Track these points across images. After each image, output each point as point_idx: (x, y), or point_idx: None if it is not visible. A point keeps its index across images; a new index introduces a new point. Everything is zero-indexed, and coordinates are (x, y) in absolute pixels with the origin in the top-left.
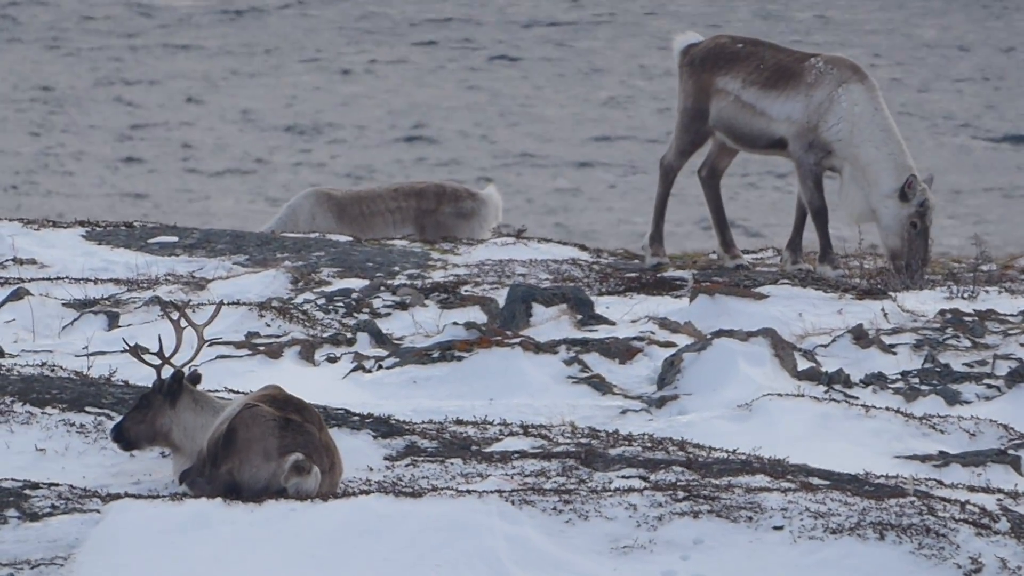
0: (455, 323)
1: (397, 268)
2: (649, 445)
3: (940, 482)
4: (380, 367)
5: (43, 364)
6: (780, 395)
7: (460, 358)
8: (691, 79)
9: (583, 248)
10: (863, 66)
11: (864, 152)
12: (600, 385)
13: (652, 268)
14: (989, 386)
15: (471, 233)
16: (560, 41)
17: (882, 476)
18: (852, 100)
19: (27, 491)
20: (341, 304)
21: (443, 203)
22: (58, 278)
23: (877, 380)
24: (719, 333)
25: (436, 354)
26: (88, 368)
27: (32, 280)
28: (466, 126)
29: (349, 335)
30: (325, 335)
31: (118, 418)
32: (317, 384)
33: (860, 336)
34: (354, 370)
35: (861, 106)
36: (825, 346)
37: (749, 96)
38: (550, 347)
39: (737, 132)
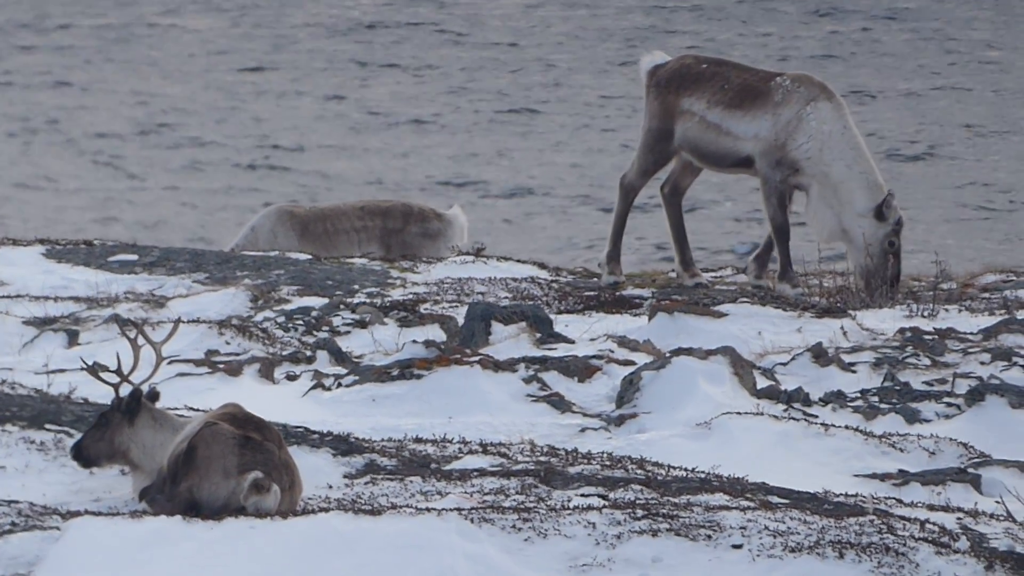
0: (414, 341)
1: (357, 286)
2: (608, 463)
3: (900, 501)
4: (339, 385)
5: (3, 381)
6: (739, 413)
7: (419, 376)
8: (656, 100)
9: (542, 266)
10: (829, 84)
11: (835, 171)
12: (559, 403)
13: (609, 287)
14: (949, 404)
15: (436, 253)
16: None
17: (841, 495)
18: (820, 118)
19: None
20: (301, 322)
21: (410, 223)
22: (18, 296)
23: (836, 398)
24: (678, 351)
25: (395, 372)
26: (48, 386)
27: None
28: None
29: (308, 353)
30: (285, 353)
31: (78, 436)
32: (276, 402)
33: (819, 354)
34: (313, 388)
35: (830, 124)
36: (784, 364)
37: (714, 116)
38: (509, 365)
39: (703, 152)
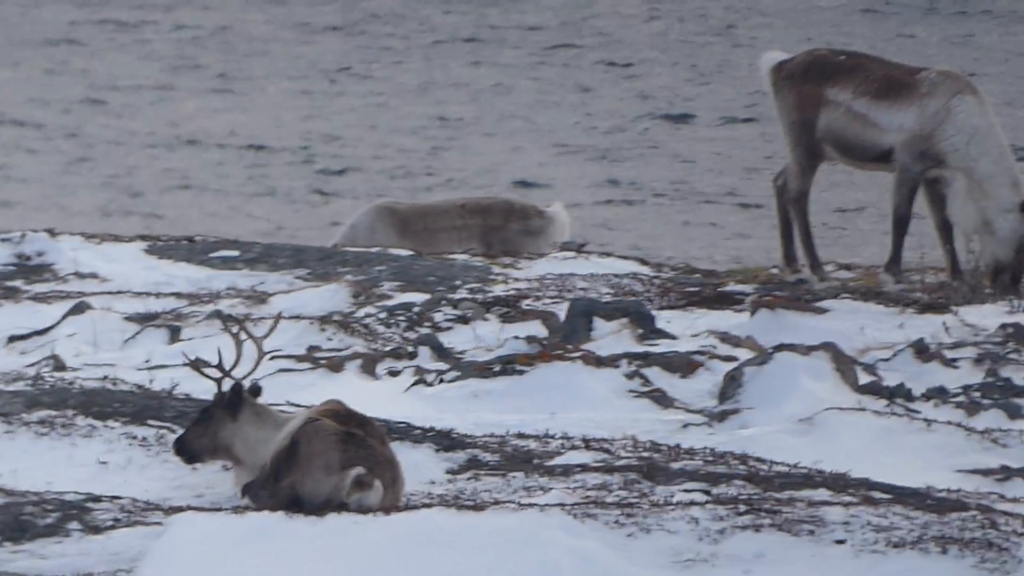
0: (516, 337)
1: (458, 282)
2: (711, 459)
3: (1002, 496)
4: (441, 381)
5: (105, 377)
6: (841, 409)
7: (521, 372)
8: (792, 92)
9: (644, 262)
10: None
11: (981, 165)
12: (661, 399)
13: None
14: None
15: (537, 250)
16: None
17: (944, 490)
18: (968, 112)
19: (89, 504)
20: (402, 318)
21: (511, 220)
22: (119, 292)
23: (938, 394)
24: (780, 347)
25: (497, 368)
26: (150, 382)
27: (93, 294)
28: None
29: (410, 349)
30: (386, 349)
31: (180, 431)
32: (378, 398)
33: (921, 350)
34: (415, 384)
35: (976, 119)
36: (886, 360)
37: (860, 107)
38: (611, 361)
39: (847, 144)
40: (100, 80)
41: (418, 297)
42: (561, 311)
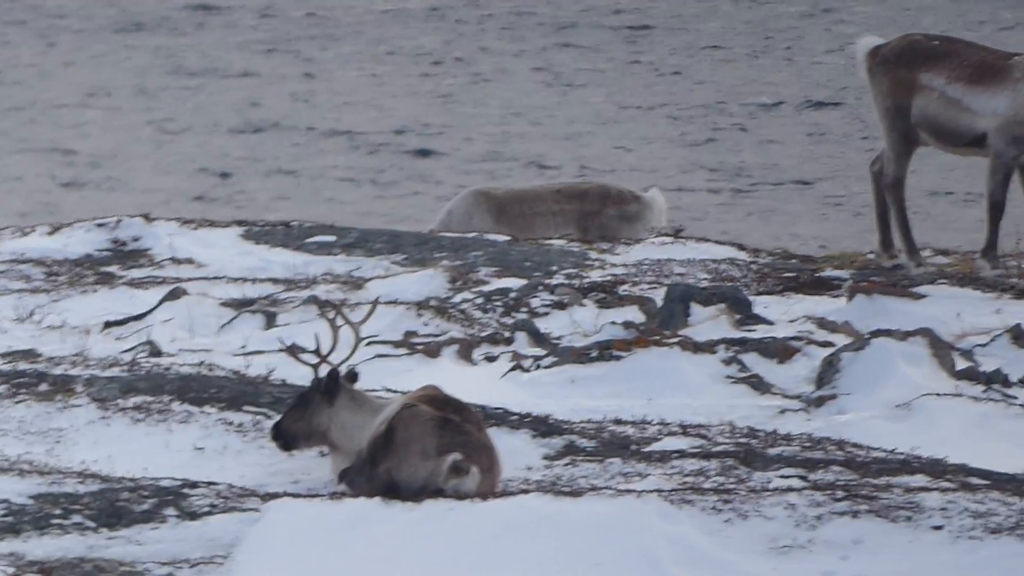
0: (613, 323)
1: (555, 267)
2: (808, 445)
3: None
4: (538, 366)
5: (201, 363)
6: (938, 395)
7: (618, 357)
8: (887, 77)
9: (741, 248)
10: None
11: None
12: (758, 385)
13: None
14: None
15: (634, 235)
16: None
17: None
18: None
19: (186, 490)
20: (499, 303)
21: (608, 205)
22: (215, 277)
23: None
24: (877, 333)
25: (594, 353)
26: (246, 367)
27: (189, 280)
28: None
29: (507, 334)
30: (483, 334)
31: (276, 417)
32: (475, 383)
33: (1019, 336)
34: (512, 369)
35: None
36: (983, 346)
37: (955, 92)
38: (708, 347)
39: (940, 128)
40: (190, 64)
41: (515, 282)
42: (658, 296)
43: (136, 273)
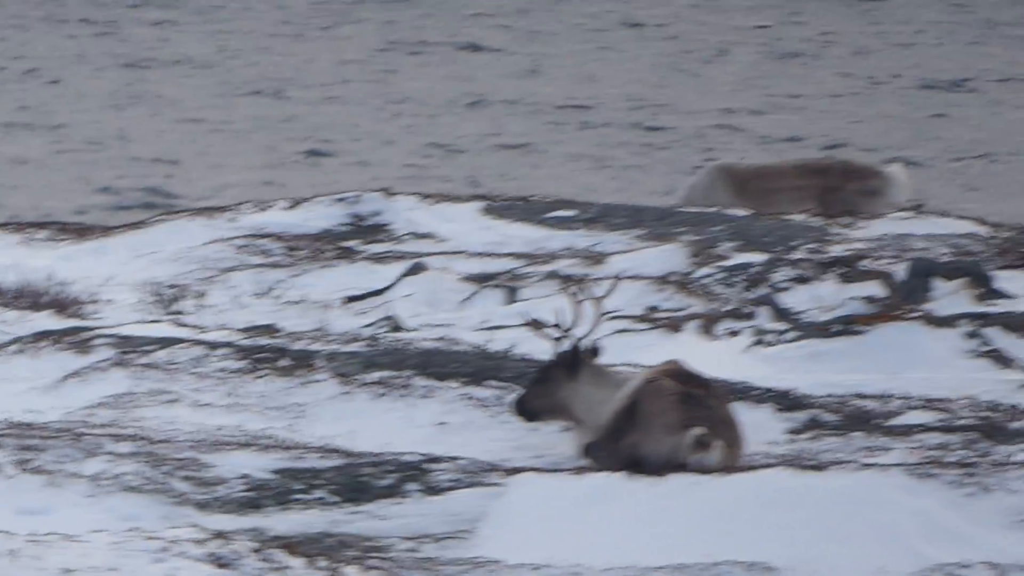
0: (854, 297)
1: (796, 242)
2: None
3: None
4: (780, 341)
5: (442, 338)
6: None
7: (860, 332)
8: None
9: (981, 222)
10: None
11: None
12: (1000, 359)
13: None
14: None
15: (875, 211)
16: None
17: None
18: None
19: (428, 465)
20: (740, 278)
21: (849, 181)
22: (455, 252)
23: None
24: None
25: (836, 328)
26: (487, 342)
27: (429, 255)
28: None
29: (748, 309)
30: (725, 309)
31: (518, 391)
32: (717, 358)
33: None
34: (754, 344)
35: None
36: None
37: None
38: (950, 321)
39: None
40: (408, 36)
41: (756, 257)
42: (899, 271)
43: (376, 248)
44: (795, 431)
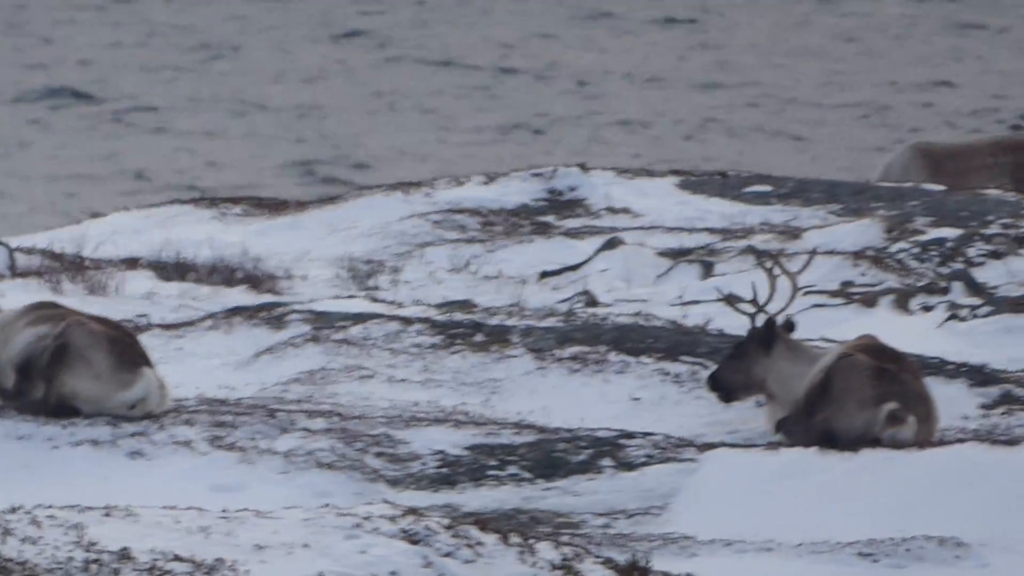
0: None
1: (991, 217)
2: None
3: None
4: (975, 316)
5: (637, 313)
6: None
7: None
8: None
9: None
10: None
11: None
12: None
13: None
14: None
15: None
16: None
17: None
18: None
19: (622, 441)
20: (935, 253)
21: None
22: (651, 227)
23: None
24: None
25: None
26: (683, 317)
27: (625, 229)
28: None
29: (943, 284)
30: (919, 284)
31: (712, 367)
32: (911, 333)
33: None
34: (948, 319)
35: None
36: None
37: None
38: None
39: None
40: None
41: (951, 232)
42: None
43: (572, 223)
44: (988, 406)
